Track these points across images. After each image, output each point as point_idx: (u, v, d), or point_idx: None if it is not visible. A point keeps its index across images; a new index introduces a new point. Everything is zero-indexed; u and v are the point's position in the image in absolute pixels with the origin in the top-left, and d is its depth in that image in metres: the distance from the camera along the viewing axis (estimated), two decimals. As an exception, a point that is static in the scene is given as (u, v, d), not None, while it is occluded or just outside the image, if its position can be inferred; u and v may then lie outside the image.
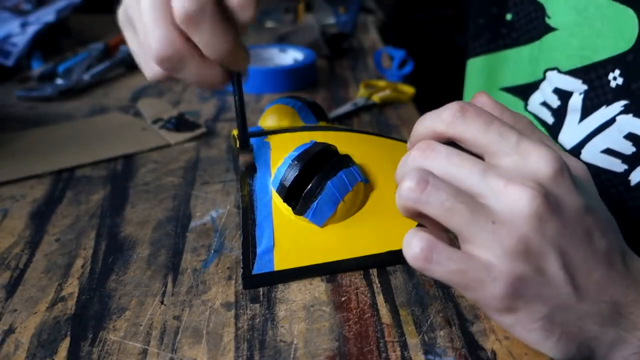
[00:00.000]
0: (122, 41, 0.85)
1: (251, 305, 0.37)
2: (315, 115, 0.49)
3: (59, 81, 0.73)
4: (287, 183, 0.39)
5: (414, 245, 0.29)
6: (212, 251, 0.42)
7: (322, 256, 0.39)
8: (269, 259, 0.38)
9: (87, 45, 0.82)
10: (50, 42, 0.87)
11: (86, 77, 0.74)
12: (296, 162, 0.39)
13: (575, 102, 0.46)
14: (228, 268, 0.40)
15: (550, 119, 0.48)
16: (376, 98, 0.68)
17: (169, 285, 0.39)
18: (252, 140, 0.44)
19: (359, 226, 0.40)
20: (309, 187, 0.39)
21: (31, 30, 0.83)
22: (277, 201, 0.41)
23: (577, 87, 0.46)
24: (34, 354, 0.33)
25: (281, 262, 0.38)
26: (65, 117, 0.65)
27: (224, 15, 0.34)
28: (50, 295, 0.38)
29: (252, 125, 0.54)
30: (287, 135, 0.45)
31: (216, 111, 0.67)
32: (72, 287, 0.39)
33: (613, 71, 0.44)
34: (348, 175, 0.39)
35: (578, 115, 0.46)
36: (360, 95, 0.69)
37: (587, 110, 0.45)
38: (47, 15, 0.87)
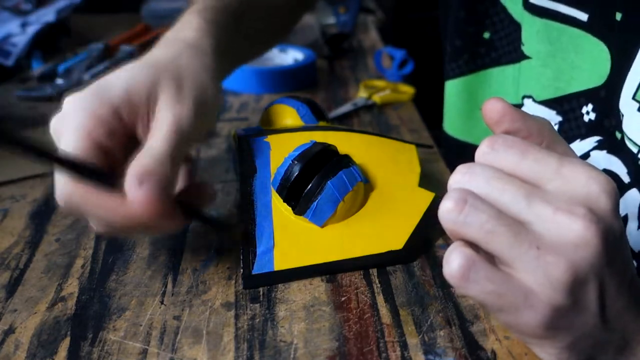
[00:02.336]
0: (122, 41, 0.85)
1: (251, 305, 0.37)
2: (315, 115, 0.49)
3: (59, 81, 0.73)
4: (287, 183, 0.39)
5: (452, 261, 0.26)
6: (212, 251, 0.42)
7: (322, 256, 0.39)
8: (269, 259, 0.38)
9: (87, 45, 0.82)
10: (50, 42, 0.87)
11: (86, 77, 0.74)
12: (296, 162, 0.39)
13: None
14: (228, 268, 0.40)
15: None
16: (376, 98, 0.68)
17: (169, 285, 0.39)
18: (252, 141, 0.44)
19: (359, 226, 0.40)
20: (309, 187, 0.39)
21: (31, 30, 0.83)
22: (277, 201, 0.41)
23: (551, 117, 0.45)
24: (34, 354, 0.33)
25: (281, 262, 0.38)
26: (65, 117, 0.65)
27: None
28: (50, 295, 0.38)
29: (252, 125, 0.54)
30: (287, 135, 0.45)
31: (216, 111, 0.67)
32: (72, 287, 0.39)
33: (586, 105, 0.42)
34: (348, 175, 0.39)
35: None
36: (360, 95, 0.69)
37: None
38: (47, 15, 0.87)
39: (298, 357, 0.33)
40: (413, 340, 0.34)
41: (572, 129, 0.44)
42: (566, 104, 0.44)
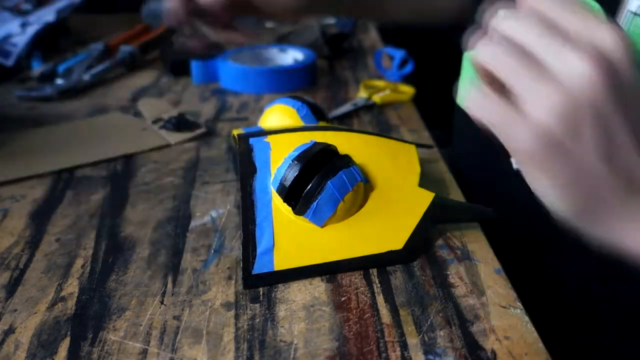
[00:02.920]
0: (122, 41, 0.85)
1: (251, 305, 0.37)
2: (315, 115, 0.49)
3: (59, 81, 0.73)
4: (287, 183, 0.39)
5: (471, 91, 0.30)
6: (212, 251, 0.42)
7: (322, 256, 0.39)
8: (269, 259, 0.38)
9: (87, 45, 0.82)
10: (50, 42, 0.87)
11: (86, 77, 0.74)
12: (296, 162, 0.39)
13: None
14: (228, 268, 0.40)
15: None
16: (376, 98, 0.68)
17: (169, 285, 0.39)
18: (252, 141, 0.44)
19: (359, 226, 0.40)
20: (309, 187, 0.39)
21: (31, 30, 0.83)
22: (277, 201, 0.41)
23: None
24: (34, 354, 0.33)
25: (281, 262, 0.38)
26: (65, 117, 0.65)
27: None
28: (50, 295, 0.38)
29: (252, 125, 0.54)
30: (287, 136, 0.45)
31: (216, 111, 0.67)
32: (72, 287, 0.39)
33: None
34: (348, 175, 0.39)
35: None
36: (360, 95, 0.69)
37: None
38: (47, 15, 0.87)
39: (298, 357, 0.33)
40: (413, 340, 0.34)
41: None
42: None
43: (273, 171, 0.41)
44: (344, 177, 0.39)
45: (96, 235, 0.44)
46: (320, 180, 0.39)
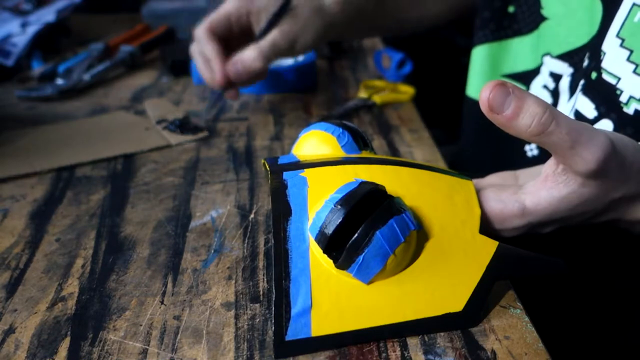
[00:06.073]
0: (122, 41, 0.85)
1: (251, 305, 0.37)
2: (357, 143, 0.42)
3: (59, 81, 0.73)
4: (329, 231, 0.33)
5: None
6: (212, 251, 0.42)
7: (368, 320, 0.34)
8: (306, 322, 0.33)
9: (87, 45, 0.83)
10: (50, 42, 0.87)
11: (86, 77, 0.74)
12: (339, 206, 0.33)
13: (564, 84, 0.51)
14: (228, 268, 0.40)
15: (549, 100, 0.53)
16: (376, 98, 0.68)
17: (169, 285, 0.39)
18: (286, 175, 0.37)
19: (411, 283, 0.35)
20: (355, 237, 0.32)
21: (31, 30, 0.83)
22: (315, 251, 0.34)
23: (565, 70, 0.51)
24: (34, 354, 0.33)
25: (320, 326, 0.33)
26: (65, 117, 0.65)
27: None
28: (50, 295, 0.38)
29: (252, 125, 0.54)
30: (326, 170, 0.38)
31: (216, 111, 0.67)
32: (72, 287, 0.39)
33: (586, 55, 0.47)
34: (400, 223, 0.33)
35: (567, 96, 0.50)
36: (360, 95, 0.69)
37: (572, 90, 0.49)
38: (47, 15, 0.87)
39: (298, 357, 0.33)
40: (413, 340, 0.34)
41: (579, 78, 0.48)
42: (575, 56, 0.50)
43: (310, 214, 0.35)
44: (395, 226, 0.33)
45: (96, 235, 0.44)
46: (367, 230, 0.32)
